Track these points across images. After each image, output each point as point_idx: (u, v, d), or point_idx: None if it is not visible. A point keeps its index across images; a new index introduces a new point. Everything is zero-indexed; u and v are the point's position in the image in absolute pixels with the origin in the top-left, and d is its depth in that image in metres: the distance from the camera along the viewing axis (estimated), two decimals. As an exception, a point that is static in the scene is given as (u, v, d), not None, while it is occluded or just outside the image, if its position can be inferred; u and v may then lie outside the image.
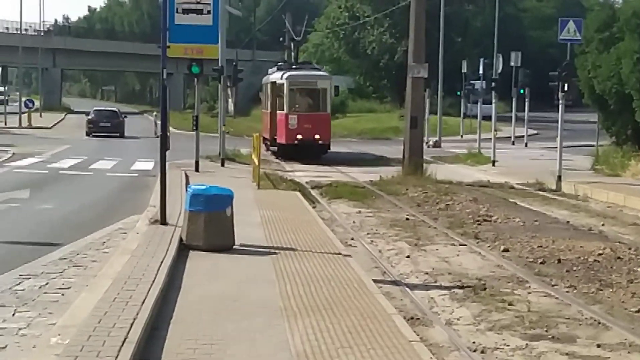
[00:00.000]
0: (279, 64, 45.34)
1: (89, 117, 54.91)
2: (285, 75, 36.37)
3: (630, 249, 14.55)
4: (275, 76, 38.74)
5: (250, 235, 13.90)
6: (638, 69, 26.30)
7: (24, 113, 63.34)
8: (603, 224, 18.00)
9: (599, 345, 8.92)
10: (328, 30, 77.92)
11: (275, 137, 37.33)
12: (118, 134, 52.74)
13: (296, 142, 34.63)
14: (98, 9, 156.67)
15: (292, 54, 50.64)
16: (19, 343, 8.09)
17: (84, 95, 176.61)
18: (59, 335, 7.65)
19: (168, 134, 15.10)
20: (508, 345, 8.89)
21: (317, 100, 36.75)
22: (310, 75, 38.32)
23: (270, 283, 10.57)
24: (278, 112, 37.01)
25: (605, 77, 28.36)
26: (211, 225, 12.79)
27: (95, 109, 62.18)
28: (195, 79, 27.68)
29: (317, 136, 35.05)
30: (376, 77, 75.39)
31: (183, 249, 12.54)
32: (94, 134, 52.68)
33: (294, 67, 40.23)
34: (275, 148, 37.95)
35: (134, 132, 53.17)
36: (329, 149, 37.34)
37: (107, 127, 53.66)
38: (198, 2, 14.99)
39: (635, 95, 26.92)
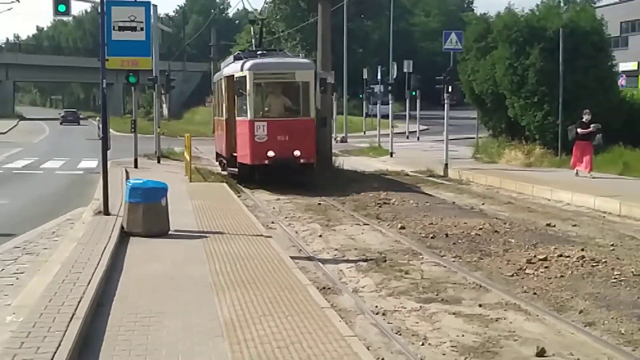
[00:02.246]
0: (237, 52, 28.02)
1: (62, 115, 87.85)
2: (248, 64, 21.33)
3: (505, 223, 14.85)
4: (233, 68, 23.07)
5: (183, 222, 13.80)
6: (509, 72, 26.91)
7: None
8: (483, 204, 18.35)
9: (480, 305, 9.10)
10: (248, 43, 77.62)
11: (235, 154, 22.44)
12: (77, 123, 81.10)
13: (267, 161, 20.58)
14: (45, 28, 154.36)
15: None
16: (-21, 322, 7.93)
17: (35, 104, 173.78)
18: (13, 314, 7.53)
19: (109, 136, 14.90)
20: (405, 308, 9.02)
21: (295, 100, 21.81)
22: (284, 64, 22.73)
23: (202, 263, 10.52)
24: (238, 118, 22.08)
25: (483, 80, 28.94)
26: (149, 214, 12.69)
27: (65, 110, 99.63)
28: (133, 88, 27.31)
29: (296, 152, 20.70)
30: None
31: (124, 236, 12.39)
32: (64, 123, 79.96)
33: (259, 53, 23.95)
34: (235, 170, 22.80)
35: (79, 135, 52.43)
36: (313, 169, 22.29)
37: (70, 120, 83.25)
38: (132, 20, 14.80)
39: (507, 95, 27.54)
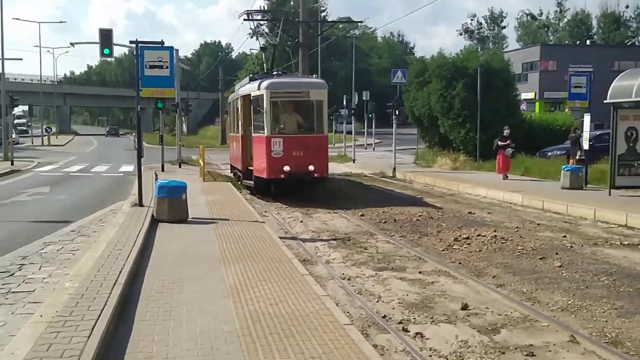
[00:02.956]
0: (252, 74, 24.67)
1: (107, 130, 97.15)
2: (265, 84, 18.28)
3: (438, 211, 14.94)
4: (250, 87, 19.80)
5: (198, 212, 13.73)
6: (441, 100, 27.16)
7: (44, 136, 62.29)
8: (422, 197, 18.39)
9: (420, 272, 9.13)
10: (247, 77, 77.24)
11: (251, 167, 19.27)
12: (116, 136, 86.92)
13: (282, 175, 17.66)
14: (94, 66, 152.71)
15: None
16: (44, 287, 7.92)
17: (86, 123, 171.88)
18: (71, 281, 7.49)
19: (142, 147, 14.82)
20: (364, 275, 9.02)
21: (309, 118, 18.70)
22: (299, 84, 19.60)
23: (212, 242, 10.47)
24: (255, 135, 18.88)
25: (421, 106, 29.13)
26: (172, 206, 12.62)
27: (109, 127, 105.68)
28: (160, 111, 27.13)
29: (311, 167, 17.70)
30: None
31: (154, 222, 12.29)
32: (108, 135, 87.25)
33: (275, 73, 21.08)
34: (251, 182, 19.37)
35: (119, 147, 52.10)
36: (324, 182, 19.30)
37: (112, 133, 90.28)
38: (159, 61, 14.61)
39: (439, 116, 27.78)
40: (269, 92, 17.27)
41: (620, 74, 16.96)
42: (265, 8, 66.13)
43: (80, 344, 5.32)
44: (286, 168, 16.96)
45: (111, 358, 5.38)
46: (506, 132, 21.29)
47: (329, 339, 5.75)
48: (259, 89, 17.71)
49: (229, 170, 25.98)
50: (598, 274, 8.89)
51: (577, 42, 78.01)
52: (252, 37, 70.98)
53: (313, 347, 5.58)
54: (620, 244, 11.11)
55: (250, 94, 18.58)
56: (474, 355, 5.98)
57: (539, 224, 13.28)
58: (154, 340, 5.80)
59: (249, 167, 19.01)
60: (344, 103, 43.55)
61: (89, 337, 5.48)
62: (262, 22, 61.59)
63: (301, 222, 14.01)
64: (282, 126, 17.83)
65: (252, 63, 77.20)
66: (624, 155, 16.26)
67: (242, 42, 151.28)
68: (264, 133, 17.28)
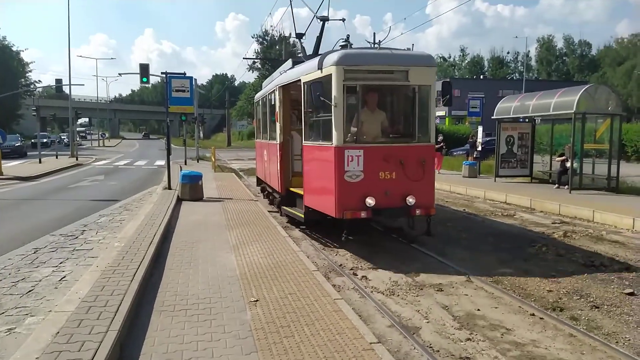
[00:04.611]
0: (292, 59, 9.73)
1: (142, 134, 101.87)
2: (334, 57, 6.49)
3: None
4: (300, 70, 7.87)
5: (210, 193, 13.60)
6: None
7: (100, 139, 61.31)
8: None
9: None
10: (246, 99, 76.33)
11: (297, 190, 8.48)
12: (148, 138, 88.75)
13: (364, 214, 6.57)
14: (135, 90, 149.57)
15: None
16: (99, 246, 7.75)
17: (130, 131, 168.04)
18: (118, 242, 7.35)
19: (170, 147, 14.61)
20: (328, 236, 8.99)
21: (408, 115, 7.02)
22: (391, 57, 6.68)
23: (220, 214, 10.36)
24: (310, 143, 7.43)
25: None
26: (192, 189, 12.48)
27: (143, 133, 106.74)
28: (183, 122, 27.00)
29: (410, 199, 6.71)
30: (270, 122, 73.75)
31: (179, 201, 12.15)
32: (143, 138, 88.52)
33: (342, 45, 7.36)
34: (299, 213, 8.21)
35: (154, 148, 51.27)
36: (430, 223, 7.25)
37: (146, 135, 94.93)
38: (182, 86, 14.36)
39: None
40: (341, 70, 6.87)
41: (502, 99, 17.23)
42: (259, 50, 65.52)
43: (125, 285, 5.24)
44: (370, 201, 6.99)
45: (147, 295, 5.31)
46: (440, 138, 21.34)
47: (301, 281, 5.76)
48: (320, 68, 7.21)
49: (256, 184, 14.74)
50: (487, 235, 9.00)
51: (474, 76, 79.08)
52: (249, 70, 69.97)
53: (290, 286, 5.59)
54: (502, 214, 11.31)
55: (300, 80, 8.09)
56: (402, 290, 6.05)
57: (447, 201, 13.43)
58: (179, 282, 5.74)
59: (295, 191, 9.19)
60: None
61: (131, 280, 5.41)
62: (255, 61, 61.06)
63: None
64: (361, 129, 7.31)
65: (249, 89, 76.36)
66: (504, 154, 16.61)
67: (242, 74, 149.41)
68: (330, 141, 7.12)
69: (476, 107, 20.14)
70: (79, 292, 5.08)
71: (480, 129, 19.19)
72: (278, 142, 9.52)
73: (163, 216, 9.46)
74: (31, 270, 6.42)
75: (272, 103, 10.21)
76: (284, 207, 9.55)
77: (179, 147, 39.00)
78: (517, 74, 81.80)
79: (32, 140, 42.41)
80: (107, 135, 73.82)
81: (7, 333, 4.46)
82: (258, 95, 12.98)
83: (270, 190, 11.40)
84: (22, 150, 33.41)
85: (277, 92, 9.53)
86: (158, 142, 73.25)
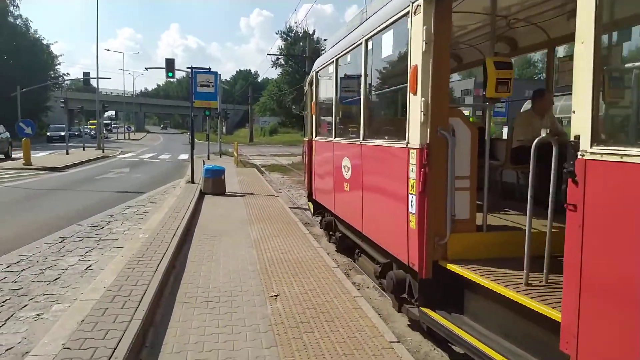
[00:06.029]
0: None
1: (161, 127, 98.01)
2: None
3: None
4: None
5: (233, 188, 13.73)
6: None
7: (126, 133, 62.74)
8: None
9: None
10: (268, 95, 76.67)
11: (466, 273, 2.75)
12: (166, 129, 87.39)
13: None
14: (161, 84, 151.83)
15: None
16: (124, 237, 7.85)
17: (155, 124, 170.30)
18: (143, 233, 7.47)
19: (194, 142, 14.78)
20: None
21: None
22: None
23: (242, 209, 10.46)
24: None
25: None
26: (215, 183, 12.59)
27: (162, 126, 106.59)
28: (207, 117, 27.27)
29: None
30: (290, 117, 74.39)
31: (201, 194, 12.30)
32: (162, 131, 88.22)
33: None
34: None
35: (178, 142, 51.97)
36: None
37: (165, 129, 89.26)
38: (207, 82, 14.50)
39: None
40: None
41: (528, 100, 17.01)
42: (282, 47, 65.74)
43: (149, 276, 5.32)
44: None
45: (171, 286, 5.39)
46: None
47: (321, 277, 5.76)
48: None
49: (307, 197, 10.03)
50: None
51: (500, 76, 77.75)
52: (272, 67, 70.32)
53: (311, 282, 5.60)
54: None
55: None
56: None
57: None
58: (201, 275, 5.80)
59: (460, 272, 3.50)
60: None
61: (155, 271, 5.49)
62: (279, 57, 61.34)
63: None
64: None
65: (272, 85, 76.72)
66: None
67: (265, 70, 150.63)
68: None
69: (502, 108, 19.83)
70: (104, 281, 5.19)
71: (505, 129, 18.89)
72: (412, 142, 3.89)
73: (186, 209, 9.57)
74: (58, 258, 6.58)
75: (395, 55, 4.49)
76: (424, 311, 4.01)
77: (202, 141, 39.46)
78: (544, 75, 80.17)
79: (48, 134, 43.59)
80: (132, 128, 75.14)
81: (36, 319, 4.58)
82: (321, 62, 7.16)
83: (332, 219, 6.75)
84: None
85: (414, 21, 3.79)
86: (180, 136, 74.16)
